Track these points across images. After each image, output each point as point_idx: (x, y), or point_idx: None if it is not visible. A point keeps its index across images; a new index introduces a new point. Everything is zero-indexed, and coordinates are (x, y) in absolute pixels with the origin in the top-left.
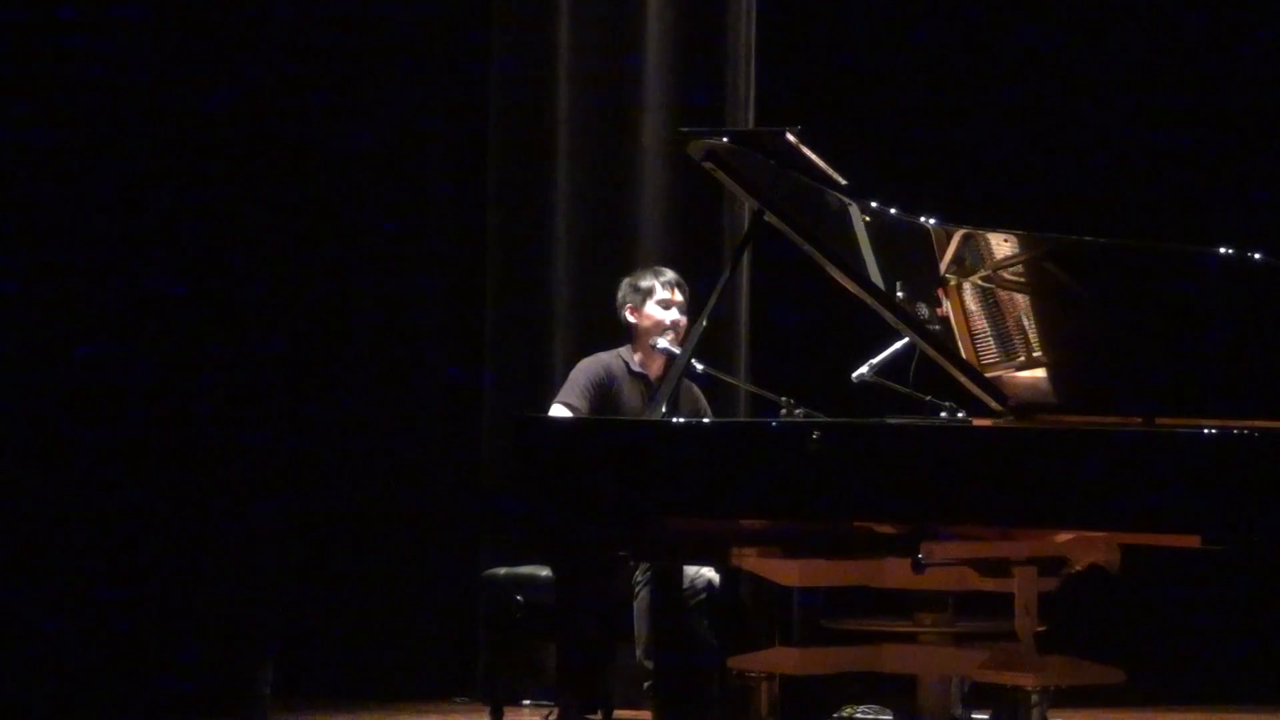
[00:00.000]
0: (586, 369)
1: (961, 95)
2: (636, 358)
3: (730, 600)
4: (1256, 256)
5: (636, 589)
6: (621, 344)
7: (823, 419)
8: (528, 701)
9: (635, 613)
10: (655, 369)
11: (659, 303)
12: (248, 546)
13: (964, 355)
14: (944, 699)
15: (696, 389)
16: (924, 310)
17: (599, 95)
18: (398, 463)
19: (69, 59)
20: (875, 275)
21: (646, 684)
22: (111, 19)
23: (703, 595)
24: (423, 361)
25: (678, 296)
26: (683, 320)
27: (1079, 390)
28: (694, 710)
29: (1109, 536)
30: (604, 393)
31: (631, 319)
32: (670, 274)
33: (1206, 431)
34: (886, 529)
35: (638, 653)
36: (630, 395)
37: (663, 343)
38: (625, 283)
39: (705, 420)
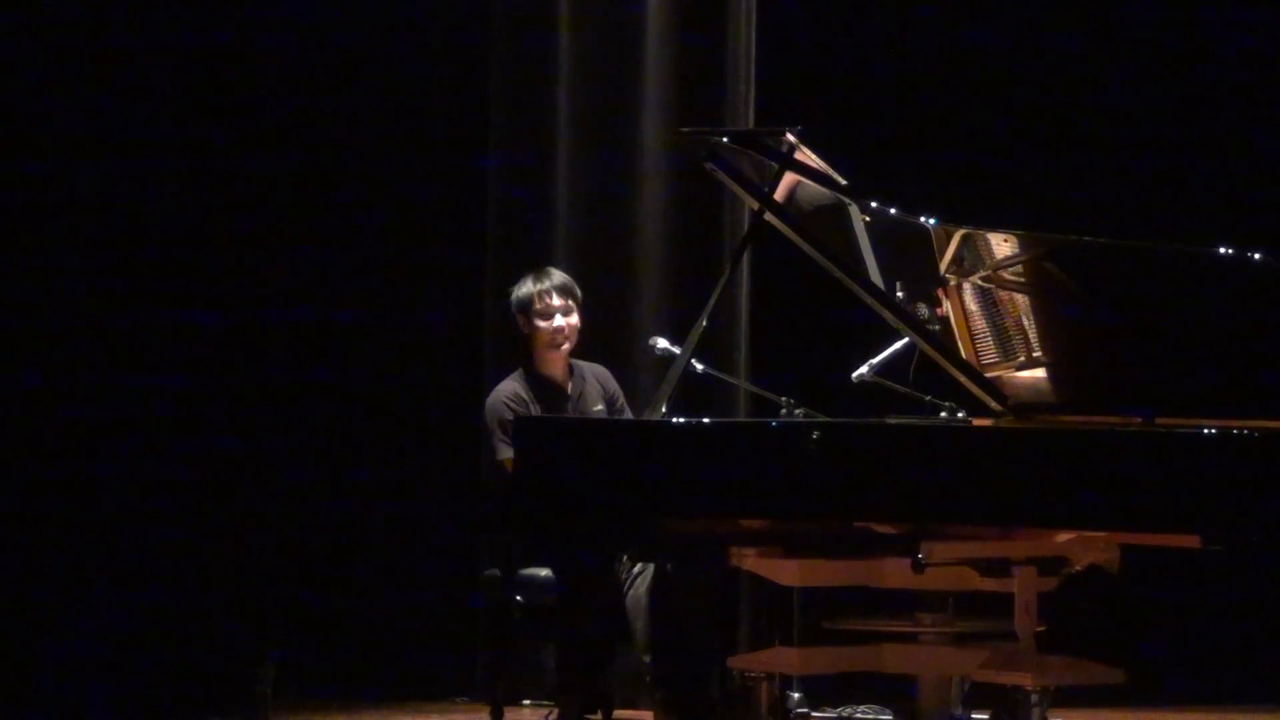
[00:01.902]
0: (493, 413)
1: (961, 95)
2: (538, 369)
3: (730, 600)
4: (1256, 256)
5: (625, 585)
6: (519, 365)
7: (823, 419)
8: (528, 701)
9: (629, 610)
10: (559, 370)
11: (538, 314)
12: (249, 546)
13: (964, 355)
14: (944, 699)
15: (615, 383)
16: (924, 310)
17: (599, 95)
18: (398, 463)
19: (64, 52)
20: (875, 275)
21: (648, 677)
22: (111, 22)
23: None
24: (423, 362)
25: (556, 302)
26: (568, 324)
27: (1079, 390)
28: (695, 706)
29: (1109, 536)
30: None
31: (525, 331)
32: (552, 279)
33: (1206, 431)
34: (886, 529)
35: (637, 648)
36: (549, 406)
37: (662, 343)
38: (512, 292)
39: (705, 420)
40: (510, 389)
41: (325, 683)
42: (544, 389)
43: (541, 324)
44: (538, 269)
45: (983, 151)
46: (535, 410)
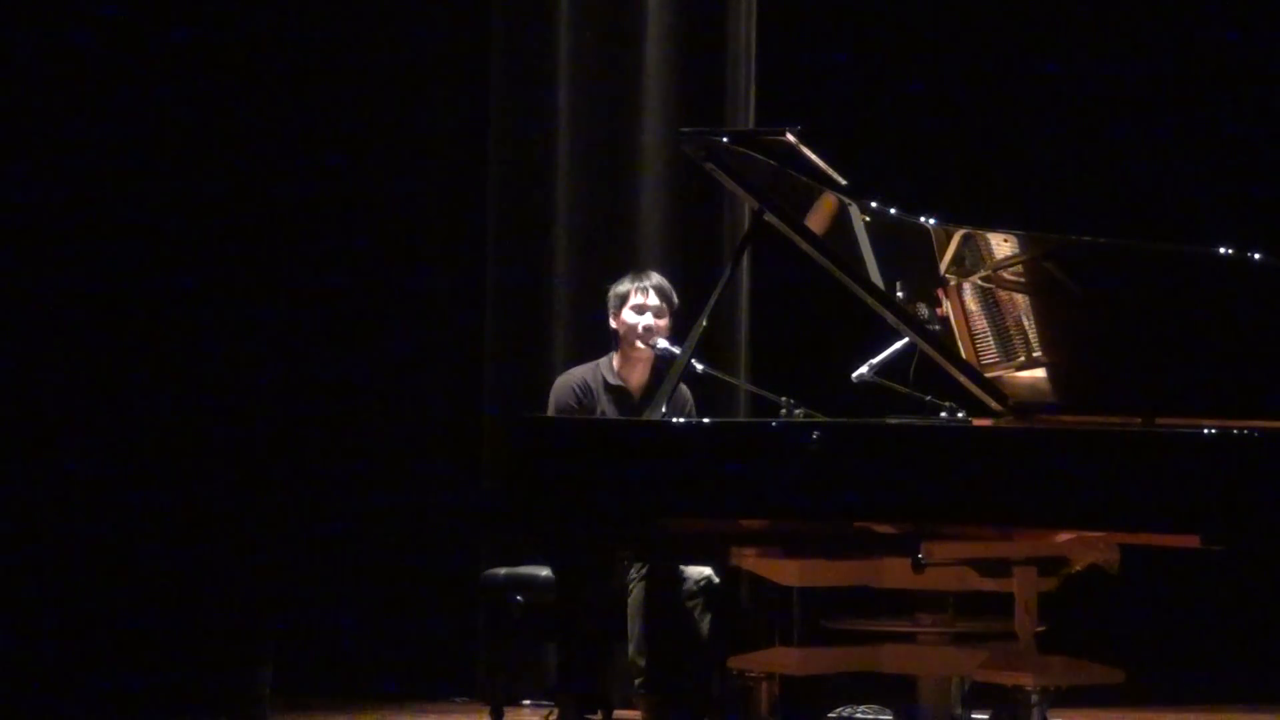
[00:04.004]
0: (556, 397)
1: (961, 95)
2: (616, 366)
3: (730, 600)
4: (1256, 256)
5: (630, 586)
6: (606, 352)
7: (823, 419)
8: (528, 701)
9: (629, 610)
10: (636, 379)
11: (633, 308)
12: (248, 546)
13: (964, 355)
14: (944, 699)
15: (686, 389)
16: (924, 310)
17: (599, 95)
18: (398, 463)
19: (64, 49)
20: (875, 275)
21: (638, 681)
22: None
23: (700, 597)
24: (423, 361)
25: (652, 300)
26: (657, 325)
27: (1079, 390)
28: (688, 709)
29: (1109, 536)
30: (574, 414)
31: (613, 324)
32: (651, 278)
33: (1206, 431)
34: (886, 529)
35: (630, 650)
36: (606, 410)
37: (662, 343)
38: (611, 288)
39: (705, 420)
40: (581, 378)
41: (325, 683)
42: (614, 391)
43: (631, 318)
44: (637, 269)
45: (983, 151)
46: (600, 407)
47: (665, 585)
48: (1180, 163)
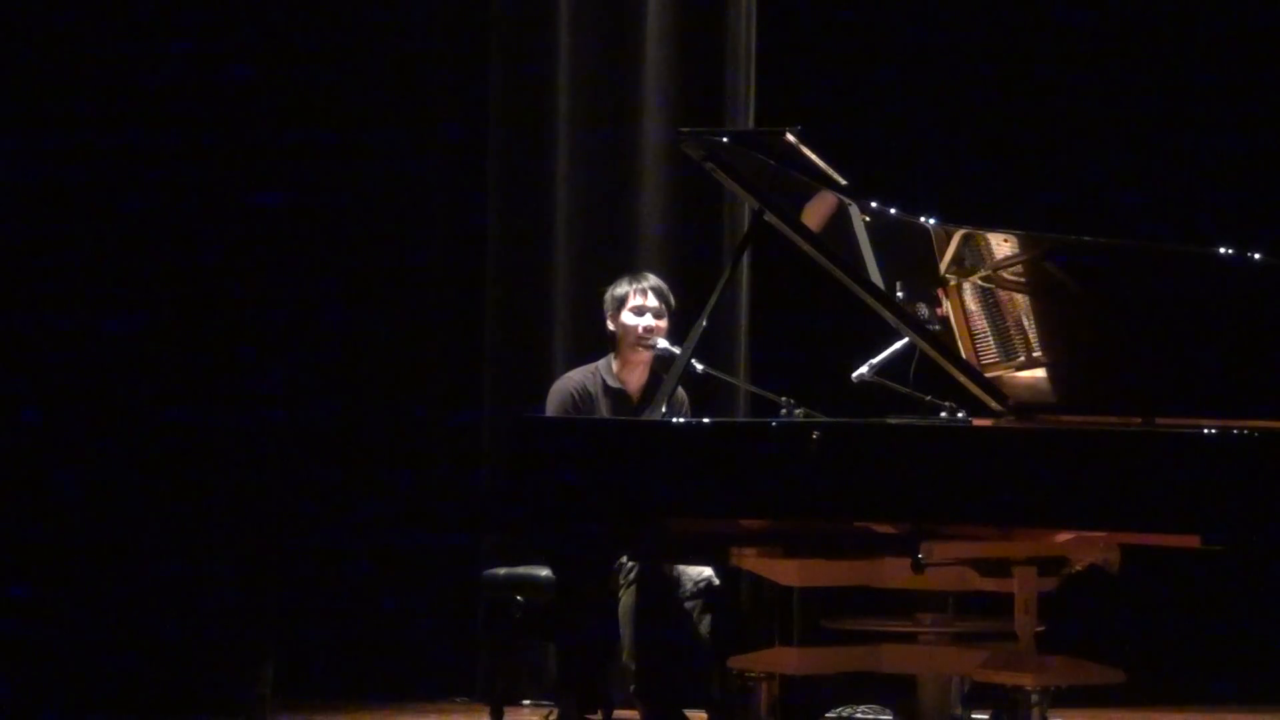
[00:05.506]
0: (554, 401)
1: (962, 95)
2: (615, 369)
3: (730, 600)
4: (1256, 256)
5: (620, 592)
6: (605, 353)
7: (823, 419)
8: (528, 701)
9: (620, 617)
10: (635, 381)
11: (632, 309)
12: (248, 546)
13: (964, 355)
14: (944, 699)
15: (682, 390)
16: (924, 310)
17: (599, 95)
18: (398, 463)
19: (64, 48)
20: (875, 275)
21: (633, 687)
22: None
23: (700, 599)
24: (423, 362)
25: (651, 302)
26: (656, 326)
27: (1079, 390)
28: (681, 712)
29: (1109, 536)
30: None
31: (611, 328)
32: (648, 280)
33: (1206, 431)
34: (886, 529)
35: (623, 655)
36: (605, 413)
37: (662, 343)
38: (607, 291)
39: (705, 420)
40: (579, 381)
41: (325, 683)
42: (613, 394)
43: (630, 319)
44: (633, 271)
45: (983, 151)
46: (599, 410)
47: (655, 589)
48: (1179, 163)
